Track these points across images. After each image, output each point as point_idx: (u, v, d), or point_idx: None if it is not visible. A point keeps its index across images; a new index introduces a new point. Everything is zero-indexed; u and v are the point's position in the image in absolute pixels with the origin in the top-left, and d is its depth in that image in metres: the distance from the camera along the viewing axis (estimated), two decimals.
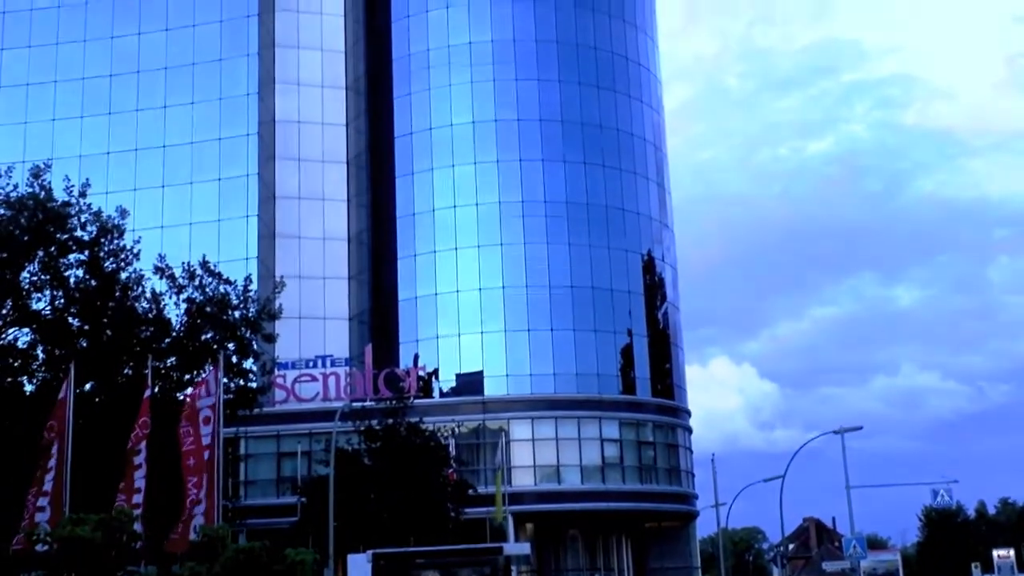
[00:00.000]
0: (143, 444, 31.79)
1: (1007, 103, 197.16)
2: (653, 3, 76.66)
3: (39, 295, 42.83)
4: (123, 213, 45.52)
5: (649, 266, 69.27)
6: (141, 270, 45.51)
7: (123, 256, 44.69)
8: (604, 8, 71.45)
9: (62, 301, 42.71)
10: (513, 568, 39.34)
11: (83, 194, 44.72)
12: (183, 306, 45.45)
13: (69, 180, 44.46)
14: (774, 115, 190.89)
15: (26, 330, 42.59)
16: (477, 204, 66.85)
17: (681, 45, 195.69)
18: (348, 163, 71.27)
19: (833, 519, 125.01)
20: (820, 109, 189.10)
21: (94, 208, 44.80)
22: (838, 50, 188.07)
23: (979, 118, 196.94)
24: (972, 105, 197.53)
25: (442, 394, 64.03)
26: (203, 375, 43.40)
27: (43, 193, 43.37)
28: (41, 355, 42.58)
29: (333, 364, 62.59)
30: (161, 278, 46.28)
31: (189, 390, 44.06)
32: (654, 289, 69.55)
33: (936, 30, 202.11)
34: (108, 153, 67.46)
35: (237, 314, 45.91)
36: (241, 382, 46.97)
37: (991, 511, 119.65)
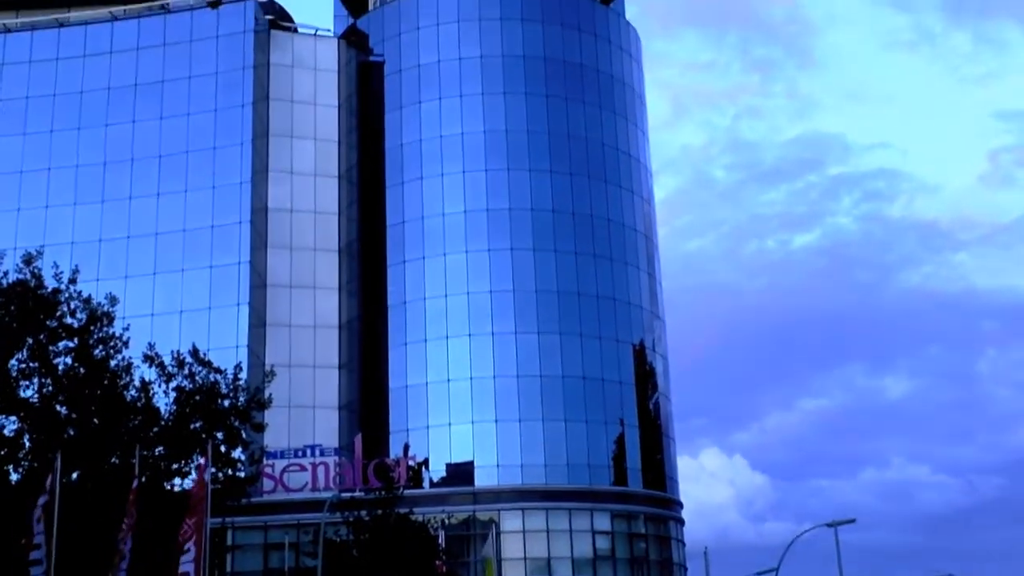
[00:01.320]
0: (130, 535, 31.24)
1: (991, 197, 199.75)
2: (643, 96, 77.61)
3: (27, 382, 42.43)
4: (113, 300, 45.36)
5: (640, 356, 69.12)
6: (130, 358, 45.19)
7: (112, 344, 44.43)
8: (595, 100, 72.30)
9: (50, 389, 42.31)
10: None
11: (73, 281, 44.60)
12: (172, 395, 45.14)
13: (59, 267, 44.37)
14: (761, 207, 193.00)
15: (13, 418, 42.10)
16: (468, 293, 66.86)
17: (668, 137, 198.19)
18: (340, 251, 71.36)
19: None
20: (806, 202, 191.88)
21: (84, 295, 44.66)
22: (823, 144, 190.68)
23: (964, 211, 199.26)
24: (957, 199, 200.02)
25: (432, 484, 63.33)
26: (191, 464, 42.97)
27: (34, 280, 43.26)
28: (27, 443, 42.03)
29: (322, 454, 61.98)
30: (150, 366, 46.02)
31: (177, 480, 43.58)
32: (645, 379, 69.29)
33: (919, 125, 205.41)
34: (100, 240, 67.50)
35: (226, 403, 45.58)
36: (229, 471, 46.41)
37: None
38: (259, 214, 69.04)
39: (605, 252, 69.04)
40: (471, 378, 64.93)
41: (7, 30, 73.30)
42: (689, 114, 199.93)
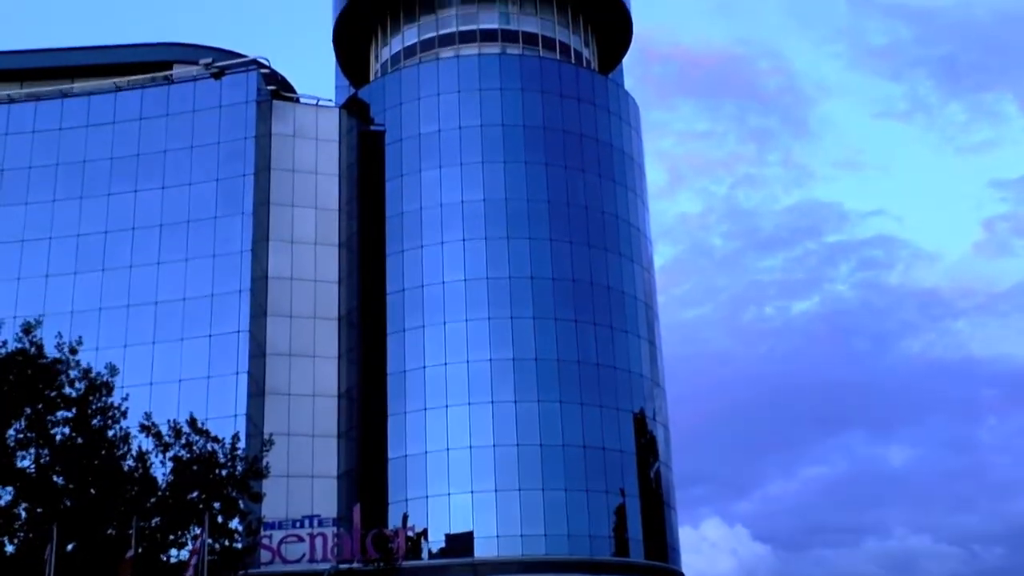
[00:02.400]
0: None
1: (988, 265, 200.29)
2: (642, 165, 78.11)
3: (24, 453, 42.25)
4: (112, 370, 45.37)
5: (641, 425, 68.76)
6: (128, 428, 45.06)
7: (111, 414, 44.38)
8: (594, 169, 72.73)
9: (47, 459, 42.12)
10: None
11: (73, 351, 44.59)
12: (169, 465, 44.90)
13: (60, 336, 44.39)
14: (759, 274, 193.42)
15: (9, 488, 41.84)
16: (468, 361, 66.68)
17: (666, 205, 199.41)
18: (340, 320, 71.32)
19: None
20: (804, 269, 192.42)
21: (84, 365, 44.63)
22: (820, 212, 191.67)
23: (962, 279, 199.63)
24: (954, 267, 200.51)
25: (431, 555, 62.65)
26: (188, 535, 42.59)
27: (33, 349, 43.28)
28: (23, 514, 41.73)
29: (320, 524, 61.32)
30: (148, 436, 45.84)
31: (173, 551, 43.18)
32: (646, 448, 68.85)
33: (915, 193, 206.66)
34: (100, 309, 67.50)
35: (224, 472, 45.30)
36: (226, 542, 45.99)
37: None
38: (259, 282, 69.12)
39: (606, 320, 69.00)
40: (471, 447, 64.53)
41: (11, 100, 74.01)
42: (686, 183, 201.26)
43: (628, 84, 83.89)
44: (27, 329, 44.06)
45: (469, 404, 65.66)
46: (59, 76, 76.07)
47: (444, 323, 67.75)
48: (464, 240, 69.34)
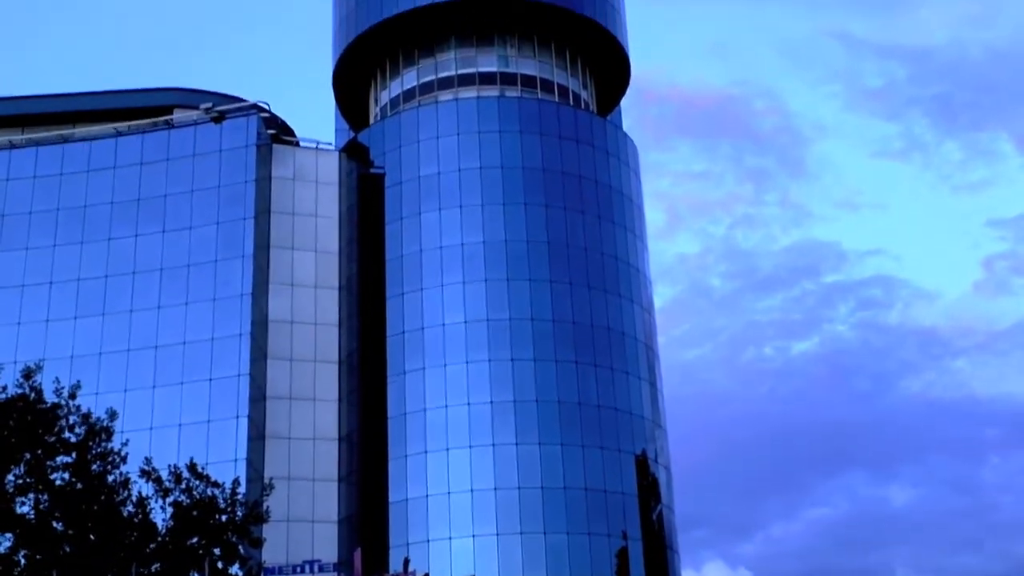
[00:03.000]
0: None
1: (988, 304, 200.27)
2: (641, 206, 78.31)
3: (23, 498, 42.04)
4: (112, 415, 45.26)
5: (643, 467, 68.45)
6: (128, 473, 44.88)
7: (110, 459, 44.21)
8: (594, 210, 72.91)
9: (47, 505, 41.91)
10: None
11: (73, 396, 44.49)
12: (169, 510, 44.68)
13: (59, 382, 44.29)
14: (758, 315, 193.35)
15: (8, 535, 41.60)
16: (469, 404, 66.52)
17: (664, 246, 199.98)
18: (340, 363, 71.15)
19: None
20: (803, 309, 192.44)
21: (83, 410, 44.52)
22: (818, 252, 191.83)
23: (961, 319, 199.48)
24: (954, 306, 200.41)
25: None
26: None
27: (33, 395, 43.18)
28: (23, 561, 41.44)
29: (321, 569, 60.69)
30: (148, 481, 45.65)
31: None
32: (648, 490, 68.50)
33: (913, 233, 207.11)
34: (100, 354, 67.37)
35: (224, 518, 45.06)
36: None
37: None
38: (259, 326, 69.04)
39: (606, 361, 68.89)
40: (472, 490, 64.20)
41: (12, 146, 74.28)
42: (684, 223, 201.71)
43: (626, 125, 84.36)
44: (27, 374, 43.99)
45: (470, 447, 65.42)
46: (60, 121, 76.42)
47: (444, 365, 67.65)
48: (464, 282, 69.37)
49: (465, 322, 68.33)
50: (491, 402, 66.29)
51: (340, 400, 70.34)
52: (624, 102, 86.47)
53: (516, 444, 65.23)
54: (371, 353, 70.24)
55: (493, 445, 65.24)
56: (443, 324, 68.62)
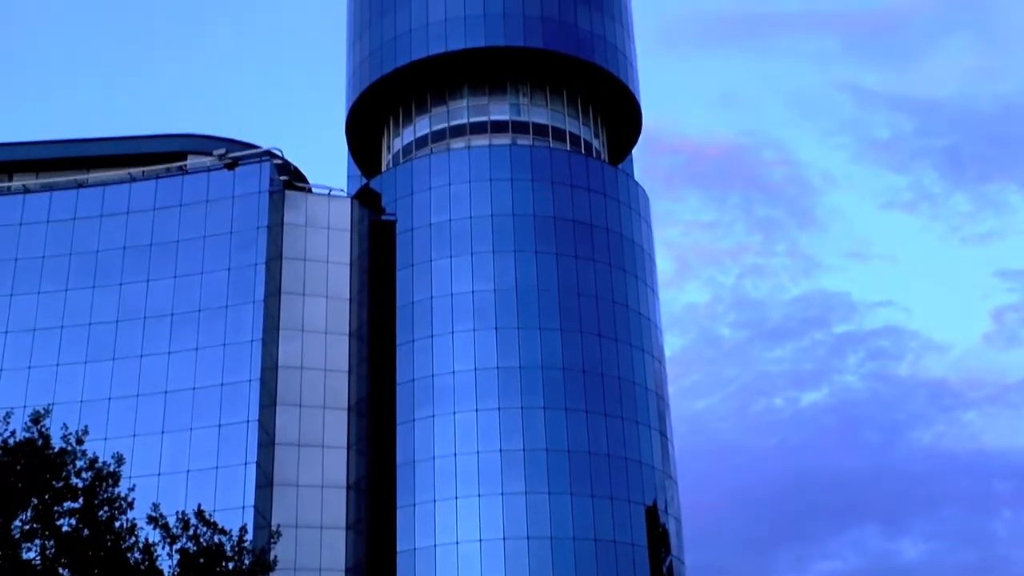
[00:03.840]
0: None
1: (998, 356, 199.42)
2: (653, 254, 78.31)
3: (29, 544, 41.75)
4: (120, 460, 45.02)
5: (653, 517, 67.86)
6: (135, 519, 44.59)
7: (117, 505, 43.91)
8: (604, 259, 72.91)
9: (53, 551, 41.60)
10: None
11: (80, 441, 44.33)
12: (176, 557, 44.33)
13: (67, 427, 44.17)
14: (768, 365, 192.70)
15: None
16: (478, 452, 66.18)
17: (673, 295, 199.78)
18: (349, 410, 70.95)
19: None
20: (813, 359, 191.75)
21: (91, 455, 44.33)
22: (828, 302, 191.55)
23: (972, 370, 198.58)
24: (964, 357, 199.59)
25: None
26: None
27: (41, 439, 43.02)
28: None
29: None
30: (155, 528, 45.33)
31: None
32: (658, 541, 67.88)
33: (922, 284, 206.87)
34: (109, 399, 67.30)
35: (231, 566, 44.66)
36: None
37: None
38: (269, 372, 68.93)
39: (616, 411, 68.55)
40: (480, 540, 63.70)
41: (26, 191, 74.75)
42: (694, 272, 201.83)
43: (636, 174, 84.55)
44: (35, 419, 43.84)
45: (479, 496, 65.02)
46: (75, 167, 76.94)
47: (454, 413, 67.41)
48: (475, 330, 69.27)
49: (475, 370, 68.14)
50: (501, 450, 65.93)
51: (349, 447, 70.06)
52: (634, 151, 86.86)
53: (526, 493, 64.80)
54: (381, 400, 70.04)
55: (502, 494, 64.81)
56: (453, 372, 68.44)
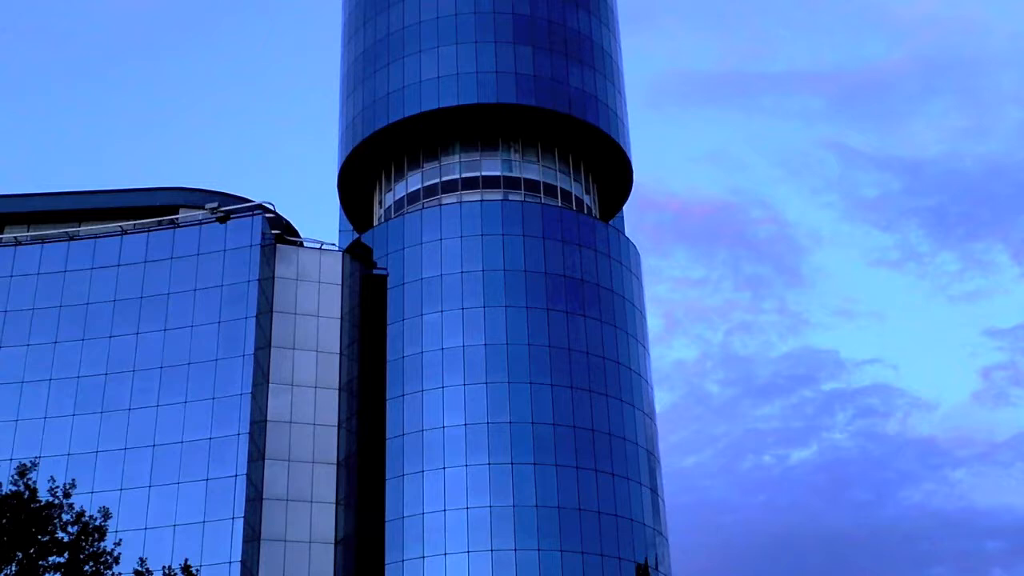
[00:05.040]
0: None
1: (987, 414, 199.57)
2: (643, 310, 78.45)
3: None
4: (106, 514, 44.73)
5: (643, 575, 67.33)
6: (121, 573, 44.19)
7: (104, 559, 43.56)
8: (595, 314, 72.99)
9: None
10: None
11: (67, 494, 44.03)
12: None
13: (54, 480, 43.90)
14: (756, 422, 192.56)
15: None
16: (467, 508, 65.74)
17: (662, 351, 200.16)
18: (338, 464, 70.52)
19: None
20: (802, 417, 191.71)
21: (77, 508, 44.02)
22: (816, 360, 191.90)
23: (961, 428, 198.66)
24: (953, 415, 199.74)
25: None
26: None
27: (27, 493, 42.73)
28: None
29: None
30: None
31: None
32: None
33: (910, 342, 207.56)
34: (97, 452, 66.77)
35: None
36: None
37: None
38: (258, 426, 68.56)
39: (607, 467, 68.28)
40: None
41: (17, 243, 74.70)
42: (682, 329, 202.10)
43: (626, 230, 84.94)
44: (22, 472, 43.61)
45: (468, 552, 64.48)
46: (66, 219, 76.97)
47: (443, 468, 67.04)
48: (465, 385, 69.12)
49: (465, 425, 67.91)
50: (490, 506, 65.52)
51: (337, 502, 69.52)
52: (623, 207, 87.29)
53: (515, 550, 64.31)
54: (370, 455, 69.66)
55: (492, 551, 64.31)
56: (443, 427, 68.17)
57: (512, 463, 66.72)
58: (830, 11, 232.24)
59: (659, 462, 74.40)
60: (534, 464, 66.90)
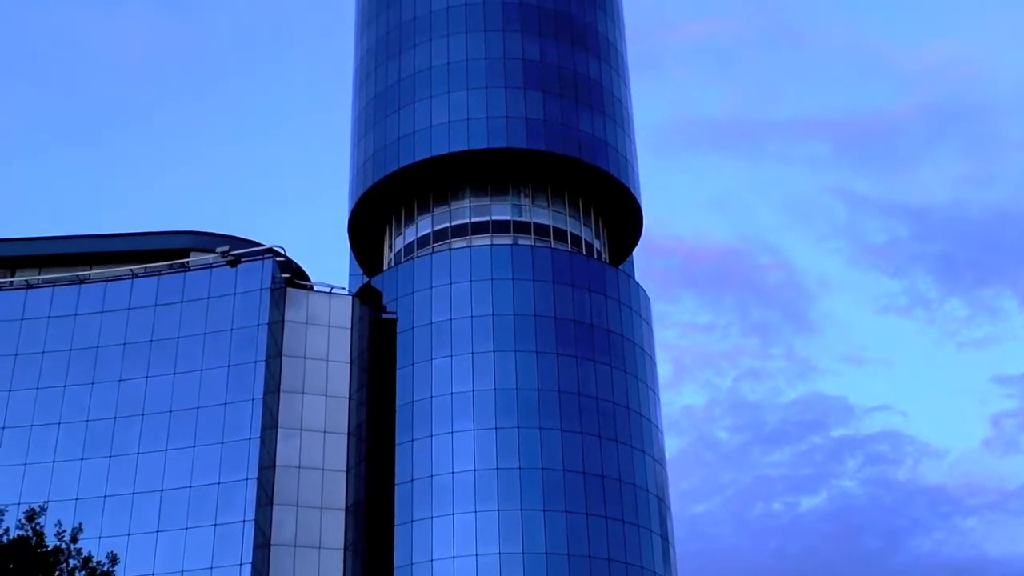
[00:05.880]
0: None
1: (997, 462, 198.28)
2: (654, 356, 78.23)
3: None
4: (113, 559, 44.49)
5: None
6: None
7: None
8: (605, 360, 72.75)
9: None
10: None
11: (75, 539, 43.80)
12: None
13: (61, 525, 43.69)
14: (766, 469, 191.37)
15: None
16: (477, 555, 65.24)
17: (670, 397, 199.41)
18: (347, 510, 70.02)
19: None
20: (812, 464, 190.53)
21: (85, 553, 43.78)
22: (825, 406, 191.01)
23: (971, 476, 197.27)
24: (963, 463, 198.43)
25: None
26: None
27: (35, 537, 42.51)
28: None
29: None
30: None
31: None
32: None
33: (919, 388, 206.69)
34: (105, 496, 66.36)
35: None
36: None
37: None
38: (267, 471, 68.20)
39: (617, 514, 67.74)
40: None
41: (29, 286, 74.78)
42: (690, 374, 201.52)
43: (635, 275, 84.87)
44: (30, 516, 43.43)
45: None
46: (78, 263, 77.07)
47: (453, 514, 66.61)
48: (474, 430, 68.81)
49: (475, 470, 67.52)
50: (500, 553, 64.99)
51: (345, 548, 68.98)
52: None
53: None
54: (379, 500, 69.25)
55: None
56: (452, 472, 67.80)
57: (522, 509, 66.27)
58: (835, 59, 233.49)
59: (670, 509, 73.84)
60: (544, 510, 66.44)
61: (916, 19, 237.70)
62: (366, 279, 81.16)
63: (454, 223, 77.95)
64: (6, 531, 43.09)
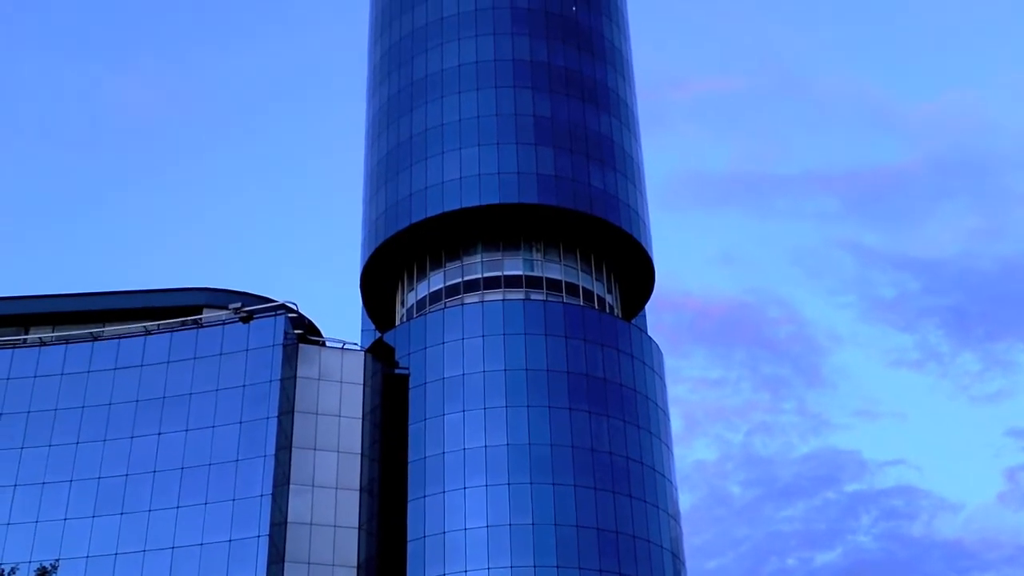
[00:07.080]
0: None
1: (1013, 516, 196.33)
2: (667, 410, 77.93)
3: None
4: None
5: None
6: None
7: None
8: (618, 415, 72.47)
9: None
10: None
11: None
12: None
13: None
14: (779, 524, 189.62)
15: None
16: None
17: (682, 452, 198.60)
18: (359, 567, 69.45)
19: None
20: (826, 519, 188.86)
21: None
22: (838, 461, 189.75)
23: (987, 530, 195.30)
24: (979, 517, 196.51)
25: None
26: None
27: None
28: None
29: None
30: None
31: None
32: None
33: (933, 442, 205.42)
34: (116, 554, 66.02)
35: None
36: None
37: None
38: (278, 527, 67.78)
39: (631, 570, 67.12)
40: None
41: (42, 343, 74.98)
42: (701, 429, 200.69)
43: (648, 329, 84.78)
44: (41, 573, 43.27)
45: None
46: (91, 320, 77.25)
47: (465, 572, 66.08)
48: (487, 486, 68.43)
49: (488, 527, 67.05)
50: None
51: None
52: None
53: None
54: (391, 558, 68.73)
55: None
56: (465, 529, 67.36)
57: (535, 566, 65.73)
58: (841, 112, 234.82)
59: (684, 565, 73.13)
60: (557, 567, 65.90)
61: (919, 72, 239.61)
62: (378, 334, 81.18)
63: (466, 278, 78.10)
64: None
